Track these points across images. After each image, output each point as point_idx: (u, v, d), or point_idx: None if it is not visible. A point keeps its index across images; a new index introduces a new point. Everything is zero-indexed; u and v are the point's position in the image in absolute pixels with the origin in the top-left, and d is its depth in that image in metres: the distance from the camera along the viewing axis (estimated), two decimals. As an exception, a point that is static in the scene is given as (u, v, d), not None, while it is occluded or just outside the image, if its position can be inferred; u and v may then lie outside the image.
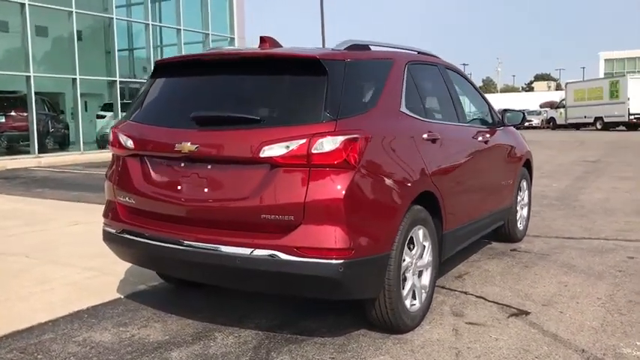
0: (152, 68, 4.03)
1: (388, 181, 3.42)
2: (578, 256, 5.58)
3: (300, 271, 3.11)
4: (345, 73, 3.38)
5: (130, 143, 3.68)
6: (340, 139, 3.11)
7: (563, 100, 43.17)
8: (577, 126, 39.87)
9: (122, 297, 4.36)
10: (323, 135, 3.10)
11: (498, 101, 42.76)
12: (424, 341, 3.56)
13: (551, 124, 44.34)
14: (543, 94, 67.64)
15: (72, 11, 19.10)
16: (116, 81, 20.98)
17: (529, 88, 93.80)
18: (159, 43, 23.99)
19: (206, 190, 3.35)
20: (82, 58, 19.41)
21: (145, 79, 22.78)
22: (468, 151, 4.61)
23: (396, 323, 3.55)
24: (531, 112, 46.16)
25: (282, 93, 3.48)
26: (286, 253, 3.11)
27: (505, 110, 5.57)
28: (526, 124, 31.51)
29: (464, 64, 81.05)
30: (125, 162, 3.74)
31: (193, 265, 3.41)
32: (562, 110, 41.87)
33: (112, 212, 3.84)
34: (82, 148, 19.63)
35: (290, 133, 3.14)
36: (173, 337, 3.62)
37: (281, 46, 3.92)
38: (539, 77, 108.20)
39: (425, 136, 3.90)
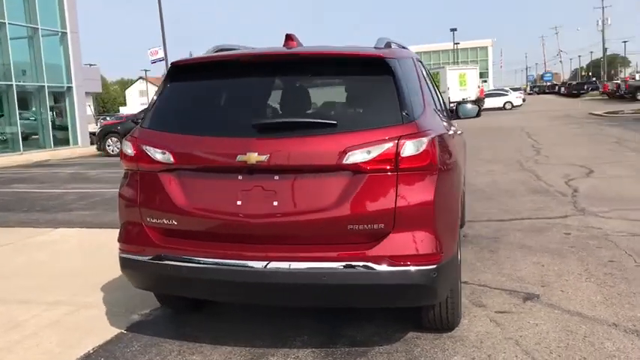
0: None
1: (454, 180, 3.40)
2: (525, 237, 6.01)
3: (395, 280, 2.96)
4: (402, 71, 3.28)
5: (162, 156, 3.19)
6: (425, 140, 3.01)
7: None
8: (404, 115, 42.73)
9: (124, 331, 3.81)
10: (409, 137, 2.97)
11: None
12: (477, 336, 3.60)
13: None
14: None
15: None
16: None
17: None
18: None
19: (275, 203, 3.02)
20: None
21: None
22: (458, 144, 4.73)
23: (452, 321, 3.55)
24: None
25: (349, 94, 3.28)
26: (379, 264, 2.95)
27: (459, 103, 5.80)
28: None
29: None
30: (157, 178, 3.22)
31: (265, 287, 3.07)
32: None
33: (137, 237, 3.30)
34: None
35: (373, 137, 2.96)
36: (229, 369, 3.26)
37: (302, 44, 3.67)
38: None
39: (450, 132, 3.93)
